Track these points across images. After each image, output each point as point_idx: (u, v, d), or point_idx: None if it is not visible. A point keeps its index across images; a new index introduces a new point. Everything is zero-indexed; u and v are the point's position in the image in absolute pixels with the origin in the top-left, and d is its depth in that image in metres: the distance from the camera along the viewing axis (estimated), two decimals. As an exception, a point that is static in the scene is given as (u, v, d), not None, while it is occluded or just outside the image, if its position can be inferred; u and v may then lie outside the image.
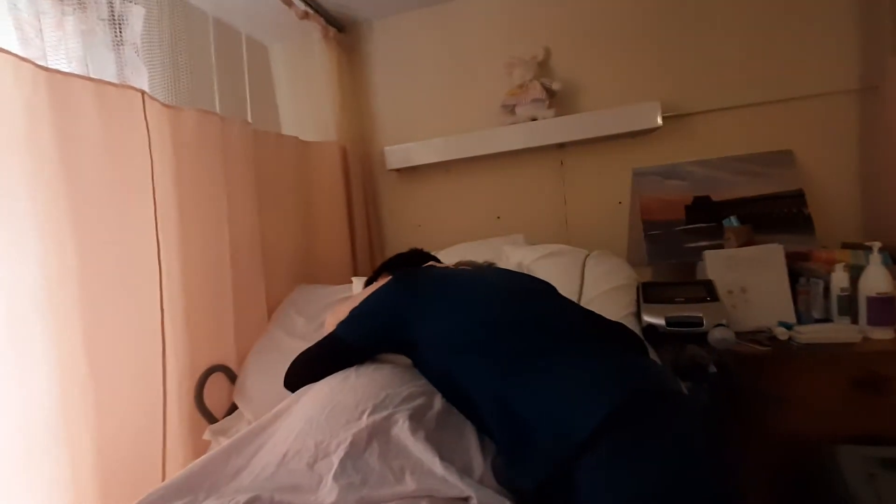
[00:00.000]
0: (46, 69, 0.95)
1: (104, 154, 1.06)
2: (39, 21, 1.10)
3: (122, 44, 1.31)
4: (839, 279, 1.39)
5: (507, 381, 0.76)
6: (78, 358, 0.99)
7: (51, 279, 0.94)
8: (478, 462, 0.78)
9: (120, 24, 1.30)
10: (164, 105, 1.20)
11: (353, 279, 1.65)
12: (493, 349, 0.81)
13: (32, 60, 0.92)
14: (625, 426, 0.64)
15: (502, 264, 1.53)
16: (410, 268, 1.16)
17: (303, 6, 1.85)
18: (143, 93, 1.14)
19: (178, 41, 1.35)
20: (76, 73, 1.05)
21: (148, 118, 1.15)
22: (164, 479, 1.13)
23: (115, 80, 1.15)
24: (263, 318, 1.54)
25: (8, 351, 0.89)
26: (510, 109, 1.94)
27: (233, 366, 1.39)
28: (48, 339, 0.94)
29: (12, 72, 0.88)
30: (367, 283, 1.35)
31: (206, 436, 1.24)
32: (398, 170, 2.12)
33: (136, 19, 1.32)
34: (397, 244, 2.06)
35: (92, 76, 1.07)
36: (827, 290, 1.43)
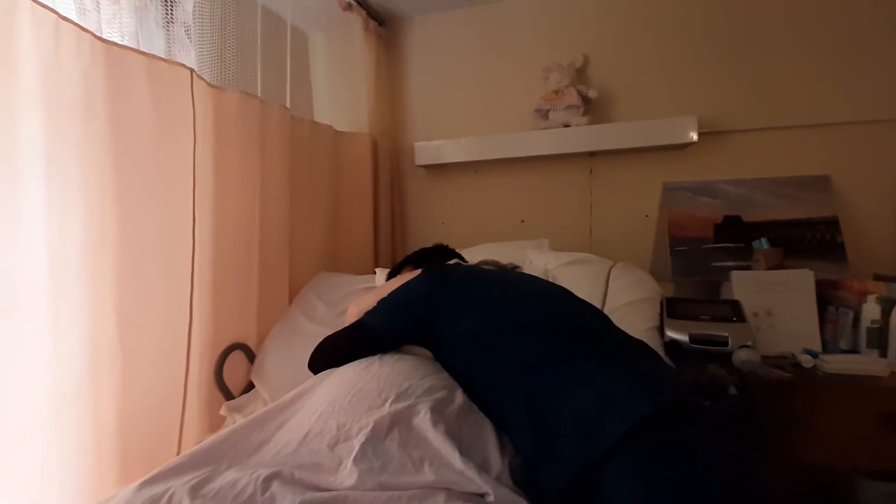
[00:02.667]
0: (104, 41, 0.97)
1: (151, 127, 1.09)
2: (98, -7, 1.13)
3: (172, 22, 1.35)
4: (871, 311, 1.36)
5: (536, 383, 0.76)
6: (109, 323, 1.02)
7: (91, 243, 0.97)
8: (496, 460, 0.77)
9: (172, 2, 1.34)
10: (209, 85, 1.22)
11: (377, 270, 1.66)
12: (524, 350, 0.81)
13: (92, 31, 0.95)
14: (653, 434, 0.64)
15: (525, 268, 1.52)
16: (439, 263, 1.17)
17: (347, -3, 1.87)
18: (192, 71, 1.16)
19: (227, 24, 1.38)
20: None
21: (195, 96, 1.17)
22: (179, 449, 1.16)
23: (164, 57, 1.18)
24: (285, 301, 1.56)
25: (45, 308, 0.91)
26: (544, 114, 1.93)
27: (252, 345, 1.41)
28: (83, 301, 0.96)
29: (74, 41, 0.90)
30: (390, 276, 1.35)
31: (223, 411, 1.27)
32: (426, 166, 2.13)
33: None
34: (420, 240, 2.07)
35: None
36: (857, 320, 1.40)
